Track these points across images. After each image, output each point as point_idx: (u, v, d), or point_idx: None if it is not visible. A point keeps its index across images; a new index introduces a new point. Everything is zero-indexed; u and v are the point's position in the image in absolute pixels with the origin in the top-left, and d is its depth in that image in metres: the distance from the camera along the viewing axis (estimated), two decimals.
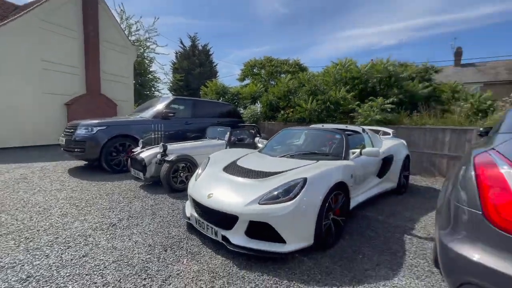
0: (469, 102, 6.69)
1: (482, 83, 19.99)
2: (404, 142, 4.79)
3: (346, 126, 4.33)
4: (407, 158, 4.48)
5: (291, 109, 8.96)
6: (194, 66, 20.56)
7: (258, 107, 10.87)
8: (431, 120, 6.57)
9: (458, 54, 22.97)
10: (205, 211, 2.48)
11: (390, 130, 5.31)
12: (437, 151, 6.23)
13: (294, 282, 1.96)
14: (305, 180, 2.28)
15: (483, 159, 1.29)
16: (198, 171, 3.10)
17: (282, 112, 9.31)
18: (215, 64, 22.20)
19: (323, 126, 4.65)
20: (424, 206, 3.83)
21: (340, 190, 2.58)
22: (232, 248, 2.19)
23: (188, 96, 13.79)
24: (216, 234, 2.33)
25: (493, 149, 1.38)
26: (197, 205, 2.59)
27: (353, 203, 3.09)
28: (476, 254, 1.14)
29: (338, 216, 2.61)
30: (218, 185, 2.60)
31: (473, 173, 1.26)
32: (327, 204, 2.35)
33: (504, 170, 1.17)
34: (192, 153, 4.40)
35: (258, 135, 6.50)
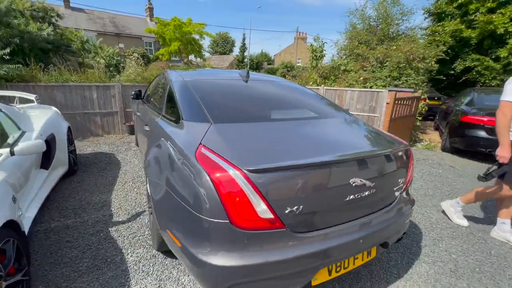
0: (102, 58, 6.77)
1: (96, 32, 21.24)
2: (57, 110, 3.80)
3: None
4: (69, 130, 3.68)
5: None
6: None
7: None
8: (73, 76, 5.82)
9: None
10: None
11: (32, 96, 3.87)
12: (89, 110, 5.88)
13: None
14: None
15: (210, 164, 1.22)
16: None
17: None
18: None
19: None
20: (104, 181, 3.56)
21: (5, 235, 1.47)
22: None
23: None
24: None
25: (203, 145, 1.36)
26: None
27: (26, 227, 2.00)
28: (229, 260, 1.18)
29: (14, 275, 1.54)
30: None
31: (210, 182, 1.16)
32: None
33: (232, 172, 1.16)
34: None
35: None
